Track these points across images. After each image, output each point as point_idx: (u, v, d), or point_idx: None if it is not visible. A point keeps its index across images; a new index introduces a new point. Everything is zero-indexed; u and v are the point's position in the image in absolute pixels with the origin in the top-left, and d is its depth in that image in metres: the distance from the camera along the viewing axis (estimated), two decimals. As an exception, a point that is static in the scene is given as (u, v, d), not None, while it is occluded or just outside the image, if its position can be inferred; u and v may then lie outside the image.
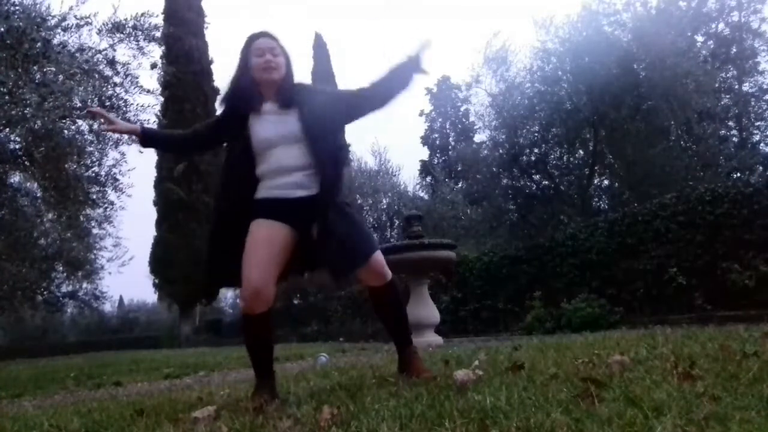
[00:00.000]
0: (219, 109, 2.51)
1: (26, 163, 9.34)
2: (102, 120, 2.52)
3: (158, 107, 14.88)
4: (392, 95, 2.37)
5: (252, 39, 2.39)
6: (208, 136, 2.51)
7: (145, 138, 2.48)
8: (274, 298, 2.26)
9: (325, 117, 2.34)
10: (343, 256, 2.22)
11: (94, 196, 9.86)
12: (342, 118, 2.48)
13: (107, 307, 31.96)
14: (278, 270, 2.25)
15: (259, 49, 2.34)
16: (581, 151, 16.78)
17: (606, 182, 17.47)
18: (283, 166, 2.29)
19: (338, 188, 2.35)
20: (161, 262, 23.06)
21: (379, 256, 2.31)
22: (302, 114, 2.32)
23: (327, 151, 2.31)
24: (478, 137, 21.69)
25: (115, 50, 8.52)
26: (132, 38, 8.56)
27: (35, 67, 7.43)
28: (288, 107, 2.33)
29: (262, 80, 2.34)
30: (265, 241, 2.23)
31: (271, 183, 2.31)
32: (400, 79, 2.35)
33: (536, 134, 16.40)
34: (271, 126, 2.32)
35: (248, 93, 2.36)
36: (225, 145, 2.49)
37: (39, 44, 7.23)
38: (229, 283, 2.39)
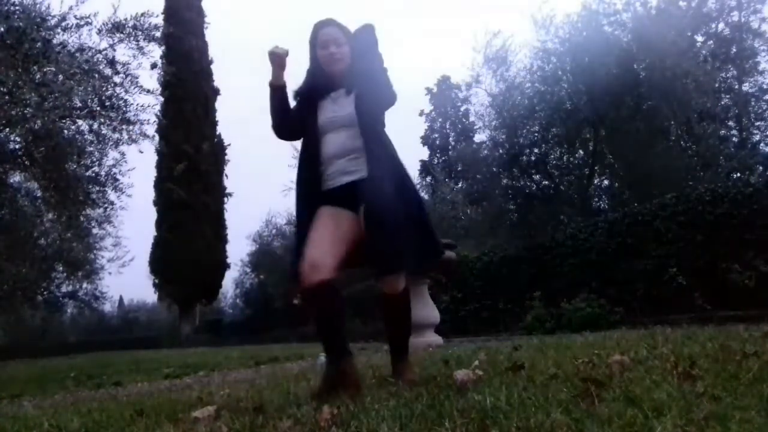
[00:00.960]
0: (293, 102, 2.51)
1: (26, 163, 9.34)
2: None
3: (158, 107, 14.89)
4: (375, 91, 2.36)
5: (317, 29, 2.41)
6: (294, 120, 2.49)
7: (281, 90, 2.44)
8: (336, 273, 2.18)
9: (372, 99, 2.35)
10: (383, 252, 2.19)
11: (94, 196, 9.87)
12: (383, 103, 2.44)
13: (107, 307, 31.99)
14: (340, 248, 2.21)
15: (323, 41, 2.37)
16: (581, 151, 16.78)
17: (606, 182, 17.46)
18: (330, 153, 2.33)
19: (387, 169, 2.28)
20: (161, 262, 23.06)
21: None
22: (358, 95, 2.34)
23: (374, 133, 2.32)
24: (478, 137, 21.69)
25: (115, 50, 8.52)
26: (132, 38, 8.56)
27: (35, 67, 7.43)
28: (350, 93, 2.37)
29: (329, 72, 2.39)
30: (325, 222, 2.25)
31: (325, 175, 2.34)
32: (365, 67, 2.35)
33: (536, 134, 16.39)
34: (327, 113, 2.37)
35: (316, 84, 2.42)
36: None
37: (39, 44, 7.23)
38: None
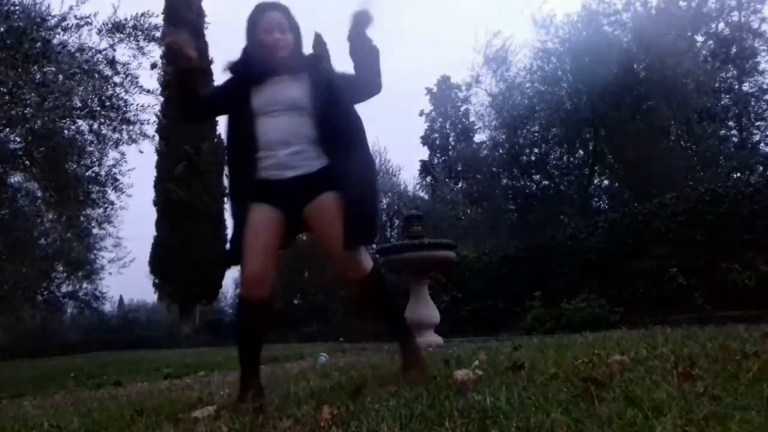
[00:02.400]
0: (223, 77, 2.39)
1: (26, 163, 9.34)
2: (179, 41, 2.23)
3: (158, 107, 14.85)
4: (369, 80, 2.31)
5: (260, 11, 2.30)
6: (208, 104, 2.41)
7: (189, 74, 2.32)
8: (272, 286, 2.22)
9: (336, 89, 2.26)
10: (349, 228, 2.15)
11: (94, 196, 9.87)
12: (349, 97, 2.36)
13: (107, 307, 31.91)
14: (276, 257, 2.21)
15: (267, 24, 2.26)
16: (581, 151, 16.78)
17: (606, 182, 17.47)
18: (269, 140, 2.21)
19: (354, 161, 2.22)
20: (161, 262, 23.06)
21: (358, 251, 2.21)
22: (314, 84, 2.25)
23: (338, 123, 2.23)
24: (478, 137, 21.70)
25: (115, 50, 8.52)
26: (132, 38, 8.56)
27: (35, 67, 7.43)
28: (297, 78, 2.27)
29: (269, 57, 2.27)
30: (262, 227, 2.18)
31: (264, 163, 2.23)
32: (365, 53, 2.28)
33: (536, 134, 16.40)
34: (266, 94, 2.24)
35: (253, 67, 2.29)
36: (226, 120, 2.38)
37: (39, 44, 7.23)
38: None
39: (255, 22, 2.29)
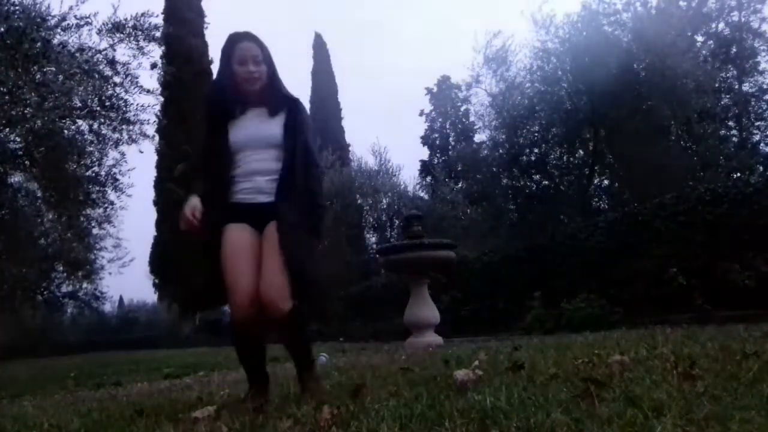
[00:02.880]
0: (206, 122, 2.45)
1: (26, 163, 9.34)
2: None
3: (158, 107, 14.87)
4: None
5: (234, 41, 2.31)
6: (215, 147, 2.40)
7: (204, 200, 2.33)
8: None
9: (306, 133, 2.35)
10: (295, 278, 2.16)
11: (94, 196, 9.87)
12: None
13: (107, 307, 31.96)
14: (258, 274, 2.19)
15: (241, 57, 2.28)
16: (581, 151, 16.76)
17: (606, 182, 17.45)
18: (249, 169, 2.28)
19: (302, 200, 2.28)
20: (161, 262, 23.07)
21: (282, 288, 2.15)
22: (288, 121, 2.31)
23: (300, 165, 2.29)
24: (478, 137, 21.67)
25: (115, 50, 8.52)
26: (132, 38, 8.56)
27: (35, 67, 7.43)
28: (275, 114, 2.33)
29: (244, 90, 2.31)
30: (243, 247, 2.20)
31: (236, 187, 2.29)
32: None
33: (536, 134, 16.38)
34: (245, 130, 2.31)
35: (228, 100, 2.34)
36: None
37: (39, 44, 7.23)
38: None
39: (228, 54, 2.31)
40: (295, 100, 2.42)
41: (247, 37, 2.32)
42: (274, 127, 2.31)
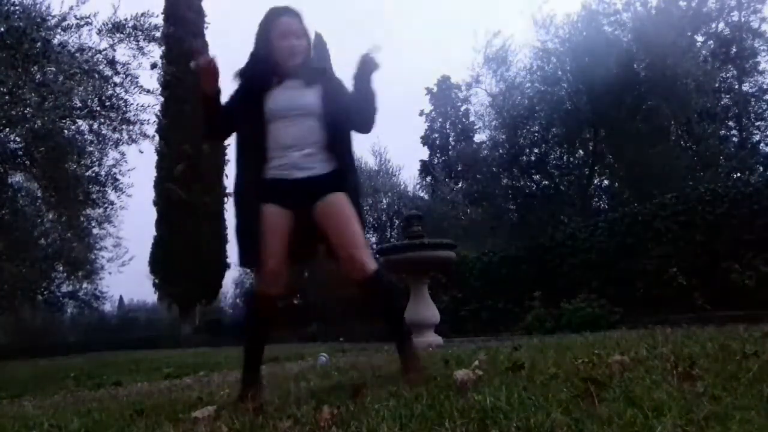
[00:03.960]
0: (233, 84, 2.39)
1: (26, 163, 9.35)
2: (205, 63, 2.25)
3: (158, 107, 14.89)
4: (367, 117, 2.36)
5: (274, 16, 2.30)
6: (228, 119, 2.37)
7: (216, 98, 2.33)
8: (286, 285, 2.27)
9: (344, 101, 2.32)
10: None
11: (94, 196, 9.88)
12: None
13: (107, 307, 31.96)
14: (287, 256, 2.25)
15: (283, 31, 2.26)
16: (581, 151, 16.78)
17: (606, 182, 17.47)
18: (282, 143, 2.25)
19: (352, 168, 2.36)
20: (161, 262, 23.05)
21: (362, 249, 2.23)
22: (325, 91, 2.29)
23: (344, 131, 2.31)
24: (478, 137, 21.69)
25: (115, 50, 8.53)
26: (132, 38, 8.57)
27: (35, 67, 7.44)
28: (311, 84, 2.30)
29: (284, 64, 2.28)
30: (277, 227, 2.22)
31: (274, 162, 2.27)
32: (365, 95, 2.31)
33: (536, 134, 16.39)
34: (281, 99, 2.28)
35: (266, 72, 2.31)
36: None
37: (39, 44, 7.23)
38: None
39: (268, 27, 2.29)
40: (326, 68, 2.43)
41: (288, 11, 2.31)
42: (310, 97, 2.28)
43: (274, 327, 2.41)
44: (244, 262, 2.33)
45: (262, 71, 2.31)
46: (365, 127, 2.38)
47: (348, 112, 2.32)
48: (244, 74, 2.35)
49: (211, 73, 2.25)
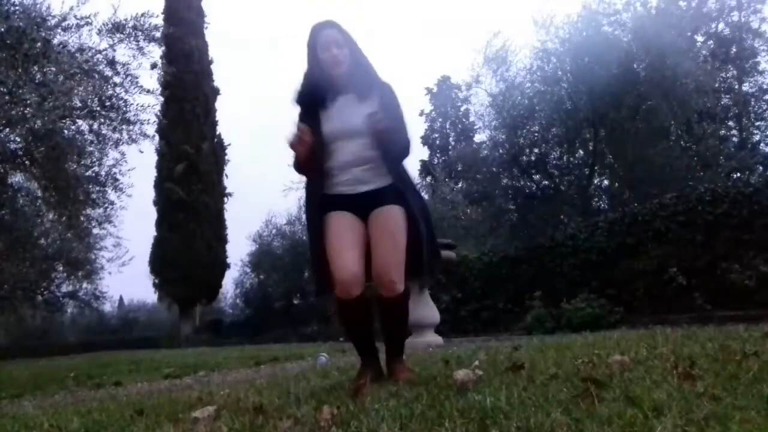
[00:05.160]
0: (295, 110, 2.46)
1: (26, 163, 9.34)
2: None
3: (158, 107, 14.88)
4: (399, 149, 2.40)
5: (317, 32, 2.37)
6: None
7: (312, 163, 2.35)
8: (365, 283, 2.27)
9: (398, 111, 2.38)
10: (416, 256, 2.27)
11: (94, 196, 9.87)
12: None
13: (107, 307, 31.87)
14: (363, 256, 2.25)
15: (324, 43, 2.32)
16: (581, 151, 16.77)
17: (606, 182, 17.46)
18: (343, 161, 2.32)
19: (408, 182, 2.40)
20: (161, 262, 23.04)
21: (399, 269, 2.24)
22: (381, 102, 2.33)
23: (398, 142, 2.34)
24: (478, 137, 21.67)
25: (115, 50, 8.53)
26: (132, 38, 8.56)
27: (35, 67, 7.43)
28: (366, 98, 2.34)
29: (331, 75, 2.35)
30: (344, 230, 2.26)
31: (335, 180, 2.34)
32: (387, 141, 2.33)
33: (536, 134, 16.39)
34: (335, 121, 2.33)
35: (320, 88, 2.37)
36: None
37: (39, 44, 7.23)
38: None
39: (313, 44, 2.36)
40: (384, 84, 2.43)
41: (328, 25, 2.38)
42: (359, 114, 2.30)
43: (372, 316, 2.38)
44: (319, 289, 2.34)
45: (315, 89, 2.38)
46: (401, 155, 2.42)
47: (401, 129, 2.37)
48: (301, 98, 2.42)
49: (304, 145, 2.26)
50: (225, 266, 24.53)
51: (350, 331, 2.40)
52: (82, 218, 10.76)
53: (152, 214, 23.78)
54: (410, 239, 2.26)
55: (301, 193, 17.85)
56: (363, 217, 2.31)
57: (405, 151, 2.41)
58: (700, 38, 17.22)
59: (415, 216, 2.28)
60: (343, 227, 2.27)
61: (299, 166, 2.39)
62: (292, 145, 2.27)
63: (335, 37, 2.34)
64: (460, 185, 21.23)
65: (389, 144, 2.31)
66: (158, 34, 8.92)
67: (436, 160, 27.90)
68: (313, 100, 2.38)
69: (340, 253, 2.20)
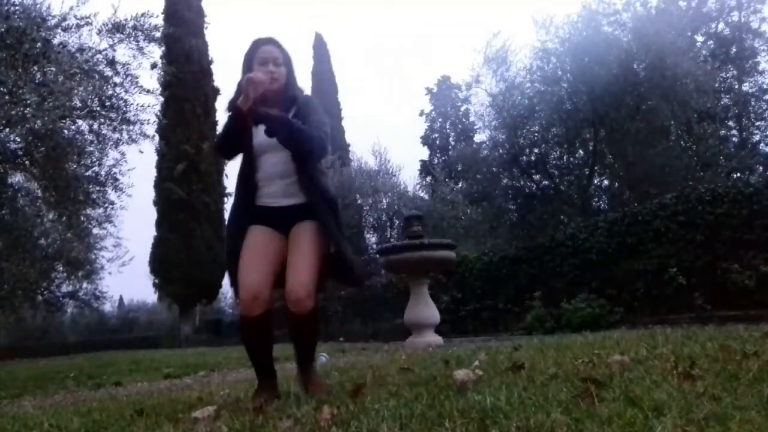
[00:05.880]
0: (225, 116, 2.45)
1: (26, 163, 9.34)
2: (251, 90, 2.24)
3: (158, 107, 14.87)
4: (305, 152, 2.36)
5: (256, 46, 2.41)
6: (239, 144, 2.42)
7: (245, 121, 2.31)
8: (272, 300, 2.28)
9: (313, 116, 2.35)
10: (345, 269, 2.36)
11: (94, 196, 9.86)
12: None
13: (107, 307, 31.88)
14: (274, 274, 2.28)
15: (262, 59, 2.35)
16: (581, 151, 16.76)
17: (606, 182, 17.45)
18: (269, 173, 2.35)
19: (327, 196, 2.38)
20: (161, 262, 23.05)
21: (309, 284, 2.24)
22: (295, 114, 2.34)
23: (304, 143, 2.29)
24: (478, 137, 21.67)
25: (115, 50, 8.52)
26: (132, 38, 8.56)
27: (35, 67, 7.43)
28: (288, 112, 2.35)
29: (264, 90, 2.32)
30: (259, 246, 2.29)
31: (261, 191, 2.38)
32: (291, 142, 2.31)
33: (536, 134, 16.38)
34: (262, 133, 2.31)
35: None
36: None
37: (39, 44, 7.23)
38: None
39: (251, 57, 2.39)
40: (296, 97, 2.42)
41: (269, 41, 2.43)
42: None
43: (272, 336, 2.42)
44: (233, 286, 2.38)
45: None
46: (310, 158, 2.36)
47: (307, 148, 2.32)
48: (232, 105, 2.37)
49: (253, 89, 2.23)
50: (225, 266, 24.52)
51: (250, 350, 2.38)
52: (82, 218, 10.76)
53: (152, 214, 23.81)
54: (330, 253, 2.31)
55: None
56: (285, 230, 2.33)
57: (316, 151, 2.34)
58: (700, 38, 17.23)
59: (331, 231, 2.29)
60: (258, 244, 2.29)
61: (229, 134, 2.33)
62: (252, 81, 2.21)
63: (274, 54, 2.37)
64: (460, 185, 21.25)
65: (296, 147, 2.28)
66: (158, 34, 8.91)
67: (436, 160, 27.93)
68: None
69: (247, 271, 2.23)
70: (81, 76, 7.73)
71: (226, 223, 2.47)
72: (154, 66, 9.31)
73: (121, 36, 8.48)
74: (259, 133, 2.34)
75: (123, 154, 9.44)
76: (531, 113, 15.58)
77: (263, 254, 2.27)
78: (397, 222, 19.59)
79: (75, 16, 8.00)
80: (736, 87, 16.95)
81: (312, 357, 2.49)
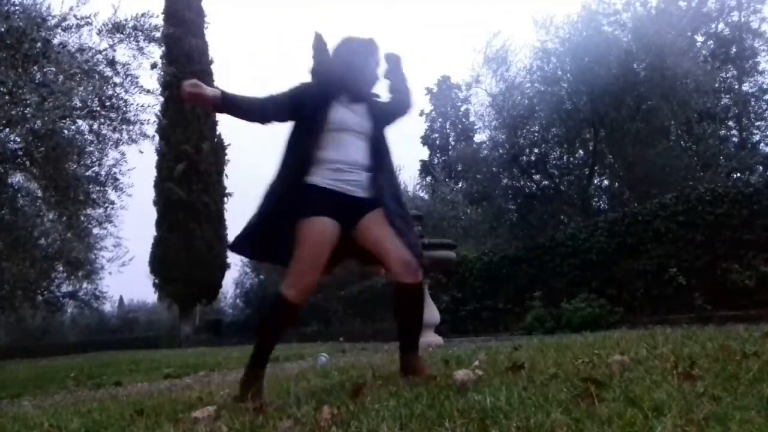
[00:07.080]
0: (309, 79, 2.56)
1: (26, 163, 9.35)
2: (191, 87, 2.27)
3: (158, 107, 14.88)
4: (403, 98, 2.57)
5: (378, 48, 2.52)
6: (281, 108, 2.41)
7: (225, 104, 2.33)
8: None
9: (386, 119, 2.51)
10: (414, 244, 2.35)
11: (94, 196, 9.88)
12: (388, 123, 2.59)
13: (107, 307, 31.91)
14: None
15: (381, 63, 2.52)
16: (581, 151, 16.77)
17: (606, 182, 17.45)
18: (353, 160, 2.34)
19: (396, 191, 2.46)
20: (161, 262, 23.05)
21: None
22: (372, 112, 2.44)
23: (387, 152, 2.46)
24: (478, 137, 21.69)
25: (115, 50, 8.54)
26: (132, 38, 8.57)
27: (35, 67, 7.44)
28: (357, 102, 2.43)
29: (368, 87, 2.51)
30: (326, 243, 2.26)
31: (338, 175, 2.32)
32: (397, 80, 2.57)
33: (536, 134, 16.38)
34: (348, 114, 2.38)
35: (349, 86, 2.44)
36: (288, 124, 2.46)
37: (39, 44, 7.24)
38: (263, 257, 2.54)
39: (370, 53, 2.47)
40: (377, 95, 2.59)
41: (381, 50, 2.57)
42: (366, 120, 2.42)
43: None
44: (236, 248, 2.36)
45: (345, 83, 2.42)
46: (404, 110, 2.58)
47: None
48: (326, 78, 2.50)
49: (197, 98, 2.27)
50: (225, 266, 24.55)
51: (273, 333, 2.39)
52: (82, 218, 10.77)
53: (152, 214, 23.81)
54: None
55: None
56: (348, 222, 2.31)
57: (407, 102, 2.59)
58: (700, 38, 17.23)
59: (395, 222, 2.30)
60: (326, 242, 2.26)
61: (226, 107, 2.34)
62: (189, 97, 2.25)
63: (381, 64, 2.53)
64: (460, 185, 21.25)
65: (397, 88, 2.54)
66: (158, 35, 8.92)
67: (436, 160, 27.93)
68: (334, 87, 2.41)
69: (313, 269, 2.24)
70: (81, 76, 7.74)
71: (269, 185, 2.36)
72: (154, 66, 9.32)
73: (121, 36, 8.49)
74: (345, 113, 2.37)
75: (123, 154, 9.47)
76: (531, 113, 15.59)
77: (327, 254, 2.27)
78: (397, 222, 19.56)
79: (75, 16, 8.02)
80: (736, 87, 16.95)
81: (417, 339, 2.53)
